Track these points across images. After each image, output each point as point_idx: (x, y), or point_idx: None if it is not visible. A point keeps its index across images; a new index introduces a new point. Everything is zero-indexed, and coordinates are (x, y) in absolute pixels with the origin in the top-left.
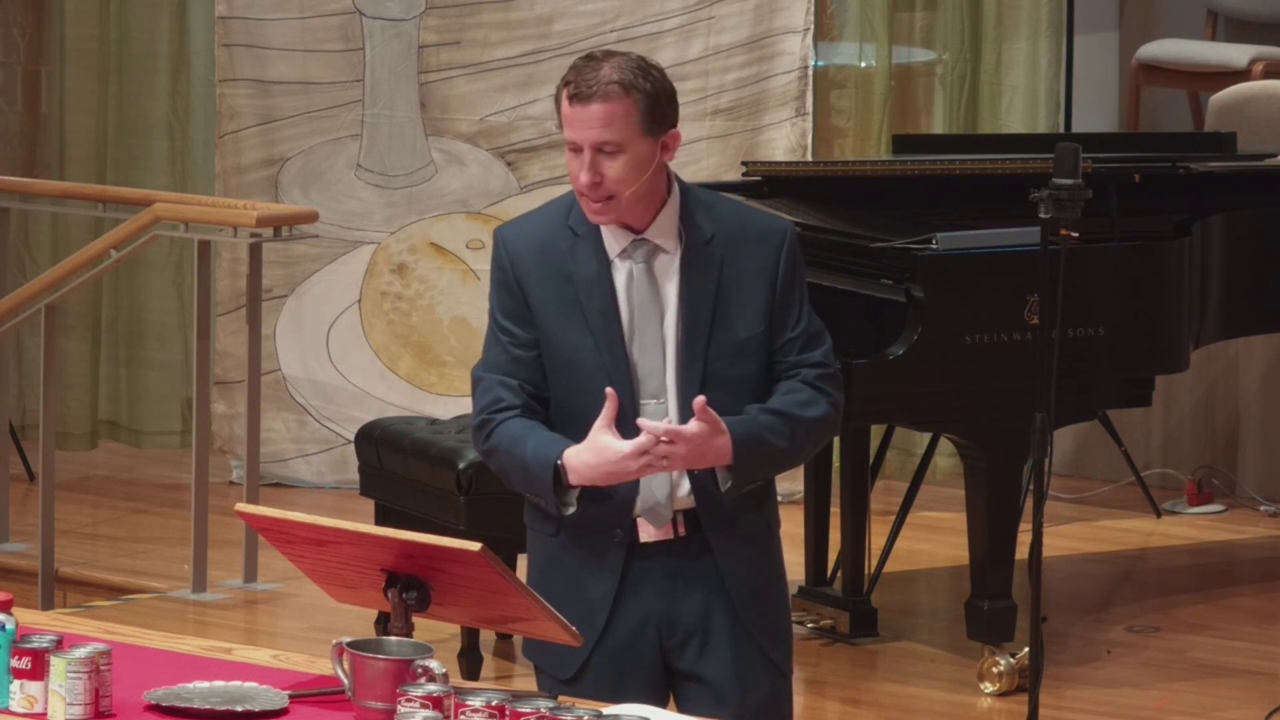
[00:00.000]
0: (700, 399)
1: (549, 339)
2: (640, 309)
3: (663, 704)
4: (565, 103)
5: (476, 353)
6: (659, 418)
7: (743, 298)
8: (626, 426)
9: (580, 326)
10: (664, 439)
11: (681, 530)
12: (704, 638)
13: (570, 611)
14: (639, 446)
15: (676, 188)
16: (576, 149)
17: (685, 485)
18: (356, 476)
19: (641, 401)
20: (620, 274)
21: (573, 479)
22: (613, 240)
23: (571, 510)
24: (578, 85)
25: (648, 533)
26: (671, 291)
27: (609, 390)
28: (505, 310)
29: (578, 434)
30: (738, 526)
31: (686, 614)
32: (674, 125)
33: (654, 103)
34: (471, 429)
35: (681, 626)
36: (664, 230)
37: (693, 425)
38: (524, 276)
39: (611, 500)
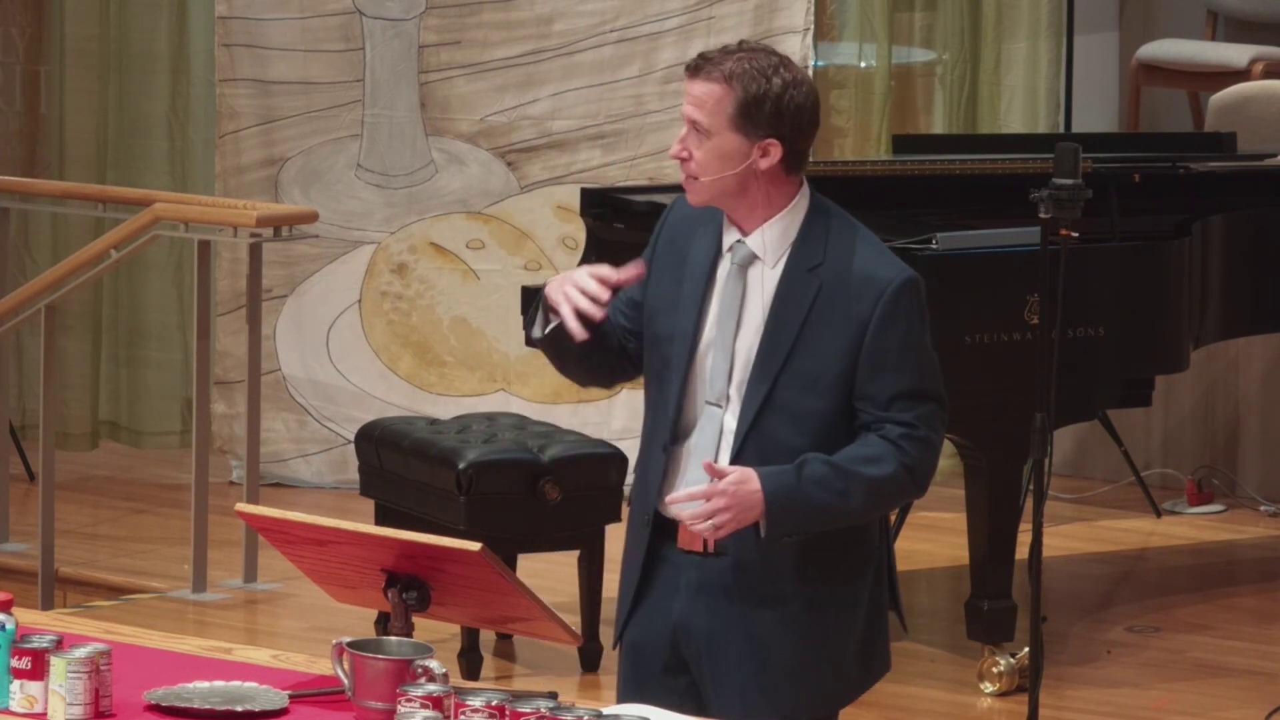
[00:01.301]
0: (706, 462)
1: (649, 311)
2: (722, 311)
3: (690, 706)
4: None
5: (477, 352)
6: (716, 422)
7: (828, 334)
8: (672, 418)
9: (672, 308)
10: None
11: (710, 548)
12: (712, 663)
13: (623, 585)
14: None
15: (804, 205)
16: (684, 121)
17: None
18: (356, 476)
19: (706, 402)
20: (720, 272)
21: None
22: (727, 235)
23: (535, 334)
24: (699, 59)
25: (683, 540)
26: (756, 305)
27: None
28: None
29: (654, 416)
30: (765, 570)
31: (699, 632)
32: (777, 136)
33: (754, 103)
34: None
35: (695, 643)
36: (767, 241)
37: (721, 484)
38: (662, 243)
39: (646, 482)
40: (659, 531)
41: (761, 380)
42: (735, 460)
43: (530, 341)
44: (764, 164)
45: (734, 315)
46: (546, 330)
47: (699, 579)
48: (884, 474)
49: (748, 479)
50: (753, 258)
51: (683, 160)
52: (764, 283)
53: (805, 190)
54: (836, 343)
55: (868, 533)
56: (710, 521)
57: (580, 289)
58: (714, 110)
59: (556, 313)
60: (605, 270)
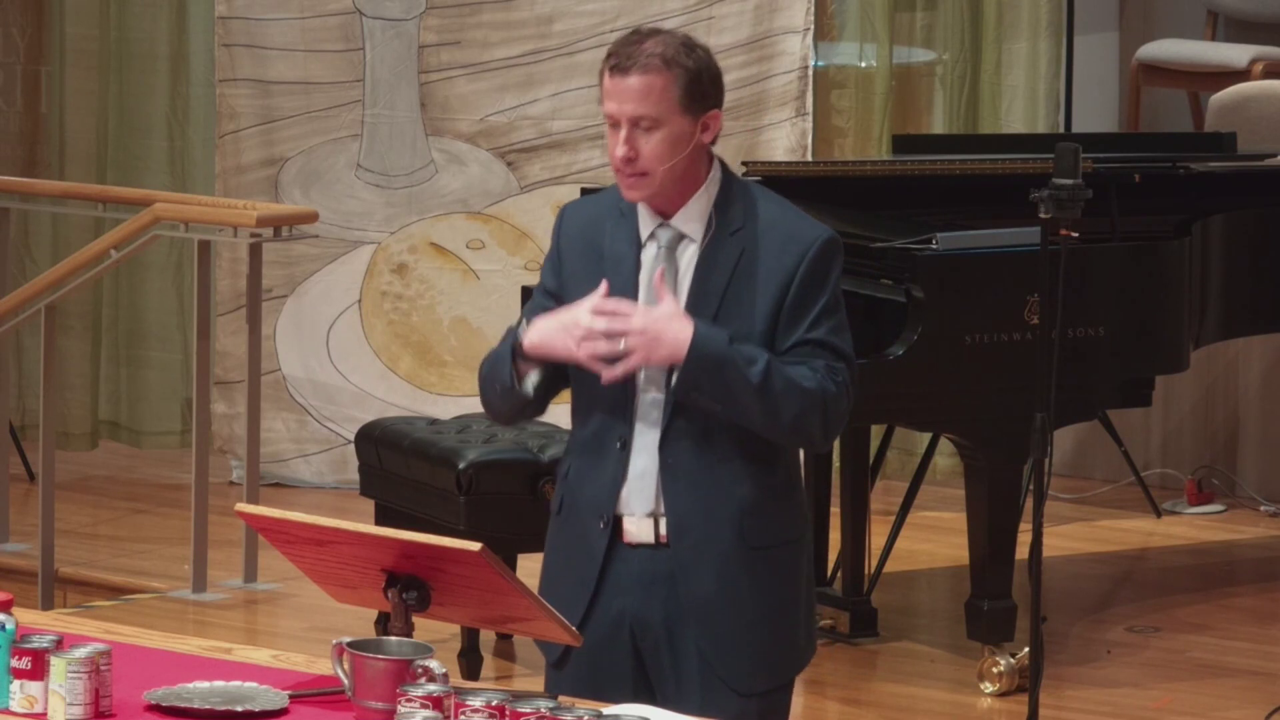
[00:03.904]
0: (659, 269)
1: None
2: (650, 296)
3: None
4: (605, 75)
5: (477, 352)
6: (657, 409)
7: (751, 296)
8: (627, 412)
9: None
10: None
11: (663, 538)
12: (670, 649)
13: (560, 592)
14: (596, 306)
15: (718, 175)
16: (615, 123)
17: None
18: (356, 476)
19: (640, 390)
20: (646, 258)
21: (529, 334)
22: (645, 223)
23: (527, 388)
24: (618, 57)
25: (630, 534)
26: (686, 281)
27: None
28: (545, 282)
29: (584, 413)
30: (705, 541)
31: (655, 622)
32: (716, 106)
33: (694, 80)
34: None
35: (651, 634)
36: (692, 217)
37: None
38: (566, 249)
39: (600, 484)
40: (614, 541)
41: None
42: (667, 430)
43: (516, 395)
44: (705, 137)
45: None
46: (532, 385)
47: (652, 571)
48: (807, 385)
49: (679, 316)
50: (679, 237)
51: (629, 160)
52: (694, 258)
53: (717, 163)
54: (760, 301)
55: (800, 499)
56: (624, 345)
57: (586, 333)
58: (660, 98)
59: (530, 361)
60: (590, 303)
